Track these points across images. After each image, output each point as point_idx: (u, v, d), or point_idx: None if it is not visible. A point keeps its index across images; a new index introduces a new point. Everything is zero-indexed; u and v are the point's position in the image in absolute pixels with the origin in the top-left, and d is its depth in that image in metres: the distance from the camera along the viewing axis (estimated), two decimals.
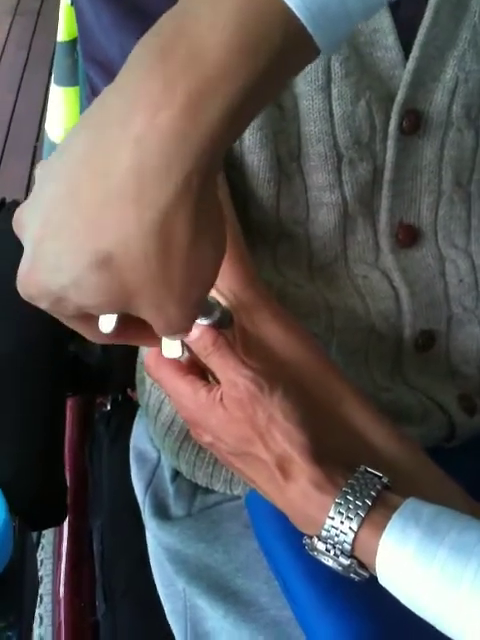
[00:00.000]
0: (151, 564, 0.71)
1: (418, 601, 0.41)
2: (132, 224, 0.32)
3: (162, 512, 0.70)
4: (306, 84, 0.56)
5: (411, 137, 0.60)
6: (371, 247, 0.65)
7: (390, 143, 0.60)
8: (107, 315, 0.40)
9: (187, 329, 0.39)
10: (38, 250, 0.35)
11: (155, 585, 0.70)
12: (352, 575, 0.46)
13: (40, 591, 1.01)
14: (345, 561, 0.45)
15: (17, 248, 0.83)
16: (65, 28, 0.95)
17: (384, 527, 0.43)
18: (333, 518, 0.45)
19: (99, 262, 0.33)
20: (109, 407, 0.96)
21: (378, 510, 0.44)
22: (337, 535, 0.45)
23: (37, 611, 0.88)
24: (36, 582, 0.55)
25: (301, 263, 0.65)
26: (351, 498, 0.45)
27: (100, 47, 0.57)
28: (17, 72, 2.70)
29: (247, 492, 0.66)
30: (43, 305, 0.37)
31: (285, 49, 0.32)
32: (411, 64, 0.57)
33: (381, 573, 0.43)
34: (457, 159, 0.62)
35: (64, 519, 0.64)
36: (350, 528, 0.44)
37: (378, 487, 0.45)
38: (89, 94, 0.62)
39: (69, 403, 0.99)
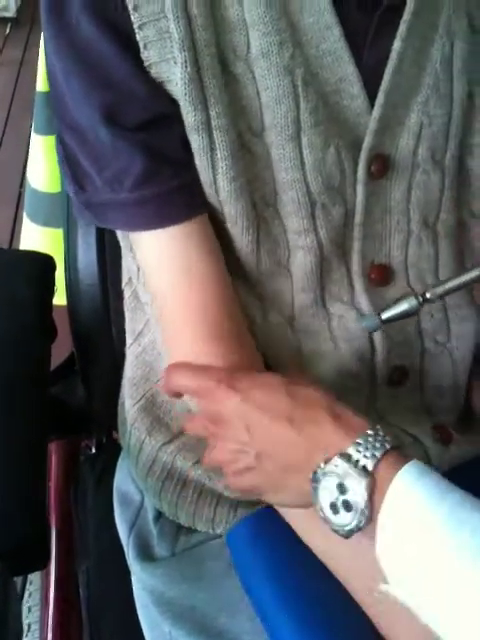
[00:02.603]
0: (137, 607, 0.71)
1: (418, 538, 0.41)
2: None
3: (146, 553, 0.70)
4: (276, 134, 0.58)
5: (379, 181, 0.62)
6: (346, 287, 0.66)
7: (359, 187, 0.61)
8: None
9: None
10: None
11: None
12: (348, 516, 0.47)
13: (28, 639, 1.00)
14: (358, 484, 0.46)
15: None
16: (43, 79, 0.97)
17: (405, 462, 0.45)
18: (360, 443, 0.47)
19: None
20: (94, 449, 0.96)
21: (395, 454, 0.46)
22: (367, 448, 0.47)
23: None
24: (19, 630, 0.54)
25: (285, 306, 0.66)
26: (375, 435, 0.48)
27: (70, 113, 0.58)
28: (0, 120, 2.73)
29: (228, 530, 0.66)
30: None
31: None
32: (377, 111, 0.59)
33: (391, 501, 0.44)
34: (424, 200, 0.64)
35: (46, 563, 0.64)
36: (374, 454, 0.46)
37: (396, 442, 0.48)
38: (61, 152, 0.61)
39: (54, 446, 0.99)
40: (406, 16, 0.57)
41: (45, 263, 0.85)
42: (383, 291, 0.66)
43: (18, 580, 0.83)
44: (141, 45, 0.55)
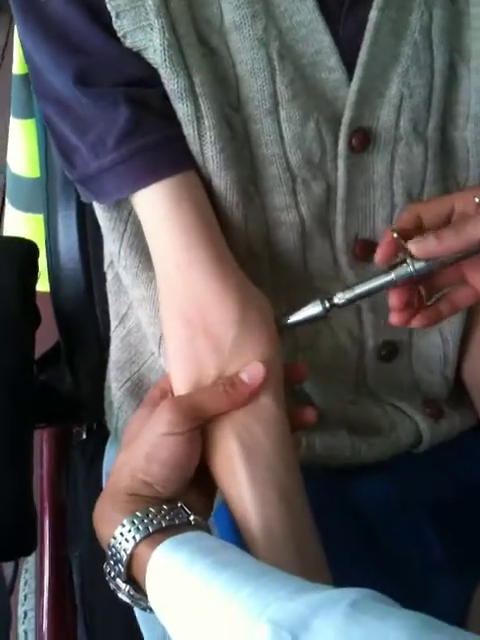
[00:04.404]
0: None
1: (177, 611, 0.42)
2: None
3: None
4: (254, 108, 0.57)
5: (361, 154, 0.61)
6: (330, 263, 0.65)
7: (340, 162, 0.60)
8: None
9: None
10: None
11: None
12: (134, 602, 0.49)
13: (25, 627, 1.00)
14: (121, 583, 0.48)
15: None
16: (20, 62, 0.96)
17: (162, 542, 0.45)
18: (124, 525, 0.47)
19: None
20: (85, 436, 0.96)
21: (167, 531, 0.46)
22: (120, 543, 0.47)
23: None
24: (7, 614, 0.54)
25: (265, 283, 0.65)
26: (151, 516, 0.47)
27: (48, 85, 0.57)
28: None
29: (216, 508, 0.66)
30: None
31: None
32: (355, 84, 0.58)
33: (150, 586, 0.44)
34: (408, 173, 0.63)
35: (33, 549, 0.64)
36: (134, 537, 0.46)
37: (182, 519, 0.48)
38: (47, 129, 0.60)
39: (45, 434, 0.99)
40: None
41: (28, 249, 0.84)
42: (368, 266, 0.65)
43: (10, 568, 0.83)
44: (113, 14, 0.53)
